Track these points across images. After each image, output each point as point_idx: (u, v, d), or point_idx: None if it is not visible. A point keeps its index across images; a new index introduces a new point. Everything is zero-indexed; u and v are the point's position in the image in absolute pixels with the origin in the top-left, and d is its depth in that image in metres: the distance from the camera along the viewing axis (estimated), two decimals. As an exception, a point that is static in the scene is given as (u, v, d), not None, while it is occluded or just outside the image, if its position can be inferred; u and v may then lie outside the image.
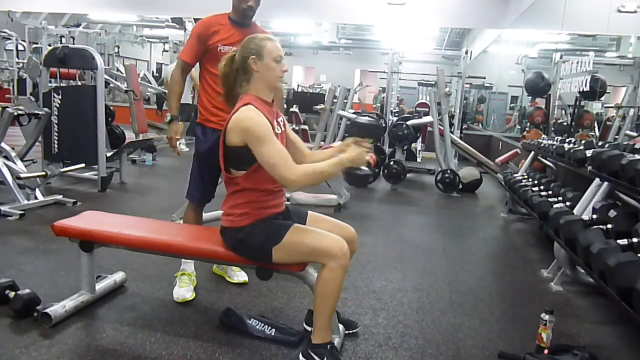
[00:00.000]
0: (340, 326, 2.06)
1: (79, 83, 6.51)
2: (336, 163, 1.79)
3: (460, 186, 5.71)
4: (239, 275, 2.62)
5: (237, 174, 1.84)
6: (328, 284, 1.77)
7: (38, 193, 3.94)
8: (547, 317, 2.02)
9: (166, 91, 7.11)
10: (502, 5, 7.82)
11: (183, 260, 2.46)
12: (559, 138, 4.01)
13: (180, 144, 2.44)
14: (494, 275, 3.20)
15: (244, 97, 1.85)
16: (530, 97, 6.84)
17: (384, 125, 6.88)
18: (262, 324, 2.08)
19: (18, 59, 9.65)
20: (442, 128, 5.97)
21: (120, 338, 1.98)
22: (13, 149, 4.09)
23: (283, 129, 1.96)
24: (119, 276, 2.45)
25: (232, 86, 1.91)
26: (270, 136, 1.75)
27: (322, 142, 6.33)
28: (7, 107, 4.13)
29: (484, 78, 10.32)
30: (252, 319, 2.10)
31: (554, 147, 3.65)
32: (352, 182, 1.93)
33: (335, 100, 6.39)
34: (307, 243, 1.78)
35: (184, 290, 2.35)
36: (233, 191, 1.88)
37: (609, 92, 5.54)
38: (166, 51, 13.25)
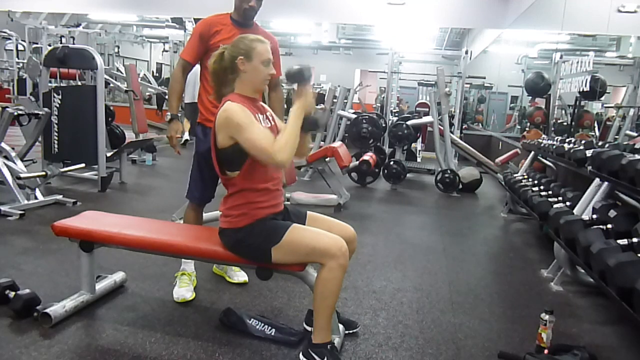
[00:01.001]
0: (340, 326, 2.06)
1: (79, 83, 6.50)
2: (297, 115, 1.80)
3: (460, 186, 5.71)
4: (239, 275, 2.62)
5: (232, 175, 1.84)
6: (327, 284, 1.77)
7: (38, 193, 3.94)
8: (547, 317, 2.02)
9: (167, 91, 7.11)
10: (502, 5, 7.82)
11: (183, 260, 2.46)
12: (559, 138, 4.01)
13: (184, 138, 2.46)
14: (494, 275, 3.20)
15: (227, 97, 1.86)
16: (530, 97, 6.84)
17: (384, 125, 6.89)
18: (262, 324, 2.07)
19: (18, 59, 9.66)
20: (442, 128, 5.98)
21: (120, 338, 1.98)
22: (13, 149, 4.09)
23: (273, 122, 1.97)
24: (119, 276, 2.45)
25: (222, 84, 1.91)
26: (250, 122, 1.76)
27: (322, 142, 6.33)
28: (7, 107, 4.13)
29: (484, 78, 10.32)
30: (252, 319, 2.10)
31: (554, 147, 3.65)
32: (308, 128, 1.93)
33: (335, 100, 6.39)
34: (306, 243, 1.78)
35: (183, 290, 2.36)
36: (231, 193, 1.88)
37: (609, 92, 5.54)
38: (166, 51, 13.25)
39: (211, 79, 1.94)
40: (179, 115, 2.49)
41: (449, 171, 5.70)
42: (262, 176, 1.85)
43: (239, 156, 1.80)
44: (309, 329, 2.03)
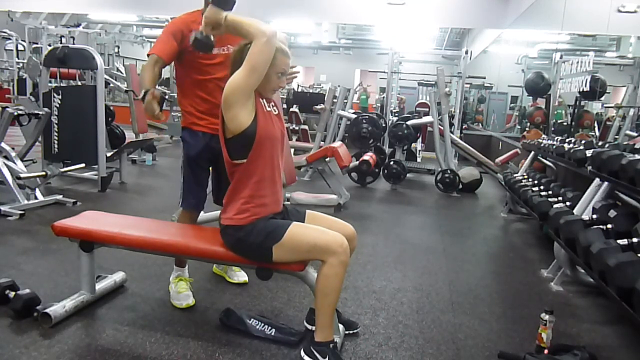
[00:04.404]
0: (341, 326, 2.06)
1: (79, 83, 6.50)
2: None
3: (460, 186, 5.71)
4: (239, 275, 2.61)
5: (240, 162, 1.84)
6: (329, 281, 1.77)
7: (38, 193, 3.94)
8: (547, 317, 2.02)
9: (167, 91, 7.11)
10: (502, 5, 7.82)
11: (175, 267, 2.41)
12: (559, 138, 4.01)
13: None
14: (494, 275, 3.20)
15: None
16: (530, 97, 6.84)
17: (384, 125, 6.90)
18: (262, 324, 2.08)
19: (18, 59, 9.65)
20: (442, 128, 5.98)
21: (120, 338, 1.98)
22: (13, 149, 4.09)
23: (278, 111, 1.98)
24: (119, 276, 2.45)
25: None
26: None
27: (322, 142, 6.33)
28: (7, 107, 4.13)
29: (484, 78, 10.33)
30: (252, 319, 2.10)
31: (554, 147, 3.65)
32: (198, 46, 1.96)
33: (335, 100, 6.39)
34: (307, 240, 1.78)
35: (183, 296, 2.31)
36: (235, 183, 1.88)
37: (609, 92, 5.55)
38: (166, 51, 13.21)
39: (230, 65, 1.87)
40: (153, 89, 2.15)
41: (449, 171, 5.70)
42: (266, 163, 1.85)
43: (246, 143, 1.80)
44: (309, 327, 2.03)
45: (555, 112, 5.99)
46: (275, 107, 1.97)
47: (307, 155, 4.76)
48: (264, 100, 1.90)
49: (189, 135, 2.33)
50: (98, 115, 4.35)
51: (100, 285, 2.30)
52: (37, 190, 3.94)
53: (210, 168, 2.41)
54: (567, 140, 3.70)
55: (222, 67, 2.16)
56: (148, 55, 2.23)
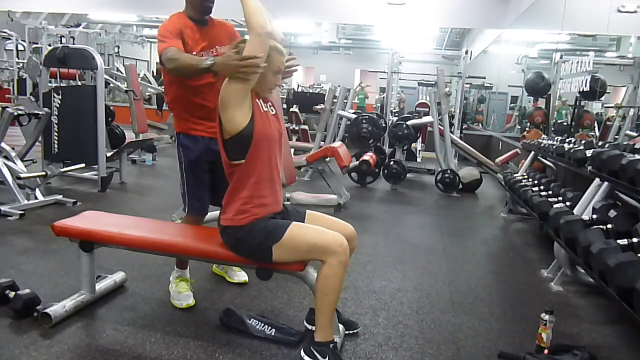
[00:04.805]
0: (341, 326, 2.06)
1: (79, 83, 6.50)
2: None
3: (460, 186, 5.71)
4: (239, 275, 2.61)
5: (238, 163, 1.84)
6: (328, 280, 1.77)
7: (38, 193, 3.94)
8: (547, 317, 2.02)
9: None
10: (502, 5, 7.82)
11: (176, 267, 2.41)
12: (559, 138, 4.01)
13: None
14: (494, 275, 3.20)
15: None
16: (530, 97, 6.85)
17: (384, 125, 6.90)
18: (262, 324, 2.08)
19: (18, 59, 9.65)
20: (442, 128, 5.98)
21: (120, 338, 1.98)
22: (13, 149, 4.09)
23: (275, 111, 1.98)
24: (119, 276, 2.45)
25: None
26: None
27: (322, 142, 6.33)
28: (7, 107, 4.13)
29: (484, 78, 10.33)
30: (252, 319, 2.10)
31: (554, 147, 3.65)
32: None
33: (335, 100, 6.39)
34: (307, 240, 1.78)
35: (184, 296, 2.30)
36: (234, 184, 1.88)
37: (609, 92, 5.55)
38: (166, 51, 13.19)
39: None
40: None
41: (449, 171, 5.70)
42: (264, 164, 1.85)
43: (244, 144, 1.81)
44: (309, 327, 2.03)
45: (557, 112, 5.99)
46: (272, 107, 1.97)
47: (307, 155, 4.76)
48: (261, 100, 1.90)
49: (188, 139, 2.32)
50: (98, 115, 4.34)
51: (100, 285, 2.30)
52: (37, 190, 3.94)
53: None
54: (567, 140, 3.70)
55: None
56: (163, 50, 2.05)
